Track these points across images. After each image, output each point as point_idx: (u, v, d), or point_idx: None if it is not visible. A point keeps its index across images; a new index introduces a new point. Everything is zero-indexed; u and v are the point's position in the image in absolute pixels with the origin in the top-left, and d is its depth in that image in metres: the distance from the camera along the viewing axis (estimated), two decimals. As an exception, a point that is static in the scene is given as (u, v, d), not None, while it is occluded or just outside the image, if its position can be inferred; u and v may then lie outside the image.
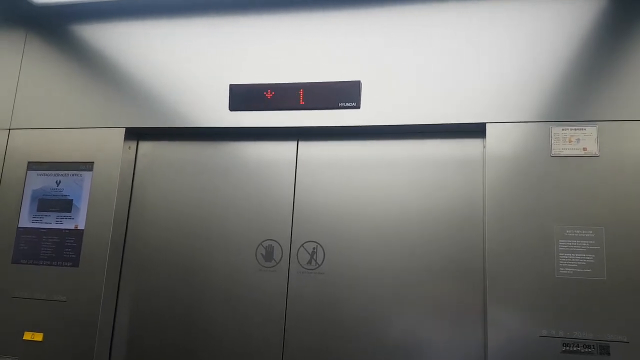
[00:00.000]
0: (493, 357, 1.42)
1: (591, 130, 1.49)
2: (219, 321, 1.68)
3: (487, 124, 1.55)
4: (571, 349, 1.38)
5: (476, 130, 1.59)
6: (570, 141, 1.50)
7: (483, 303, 1.51)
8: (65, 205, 1.77)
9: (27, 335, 1.70)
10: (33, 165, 1.82)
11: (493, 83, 1.57)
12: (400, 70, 1.64)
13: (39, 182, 1.81)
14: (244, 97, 1.70)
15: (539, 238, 1.45)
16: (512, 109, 1.54)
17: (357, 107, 1.62)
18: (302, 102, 1.65)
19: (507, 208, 1.49)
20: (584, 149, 1.49)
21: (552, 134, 1.51)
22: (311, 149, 1.74)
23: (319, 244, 1.67)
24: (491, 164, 1.53)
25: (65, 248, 1.73)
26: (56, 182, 1.80)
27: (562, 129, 1.51)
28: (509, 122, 1.54)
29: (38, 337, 1.69)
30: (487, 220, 1.50)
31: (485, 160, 1.55)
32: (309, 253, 1.67)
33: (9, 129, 1.88)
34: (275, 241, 1.70)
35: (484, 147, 1.60)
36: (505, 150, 1.53)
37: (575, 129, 1.50)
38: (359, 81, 1.64)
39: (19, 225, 1.79)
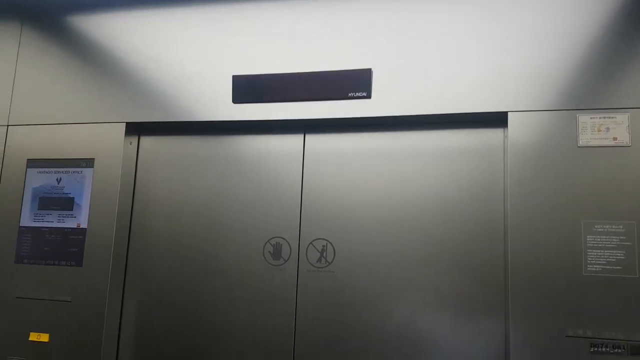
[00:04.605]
0: (517, 358, 1.34)
1: (622, 118, 1.39)
2: (227, 319, 1.63)
3: (508, 113, 1.45)
4: (600, 349, 1.31)
5: (497, 120, 1.49)
6: (599, 130, 1.40)
7: (505, 301, 1.44)
8: (66, 204, 1.72)
9: (33, 336, 1.67)
10: (33, 163, 1.77)
11: (515, 68, 1.46)
12: (414, 57, 1.54)
13: (39, 179, 1.76)
14: (247, 88, 1.61)
15: (565, 234, 1.37)
16: (535, 96, 1.44)
17: (368, 97, 1.53)
18: (308, 93, 1.56)
19: (531, 202, 1.40)
20: (614, 138, 1.38)
21: (580, 123, 1.41)
22: (319, 143, 1.66)
23: (329, 241, 1.60)
24: (513, 155, 1.43)
25: (68, 247, 1.69)
26: (57, 179, 1.74)
27: (591, 117, 1.40)
28: (533, 111, 1.44)
29: (44, 337, 1.66)
30: (510, 216, 1.41)
31: (507, 151, 1.45)
32: (318, 251, 1.60)
33: (7, 126, 1.83)
34: (284, 239, 1.64)
35: (506, 137, 1.50)
36: (528, 141, 1.43)
37: (604, 117, 1.40)
38: (370, 69, 1.55)
39: (21, 225, 1.75)
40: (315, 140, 1.66)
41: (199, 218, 1.71)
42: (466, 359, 1.46)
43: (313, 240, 1.61)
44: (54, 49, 1.84)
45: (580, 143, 1.40)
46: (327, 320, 1.56)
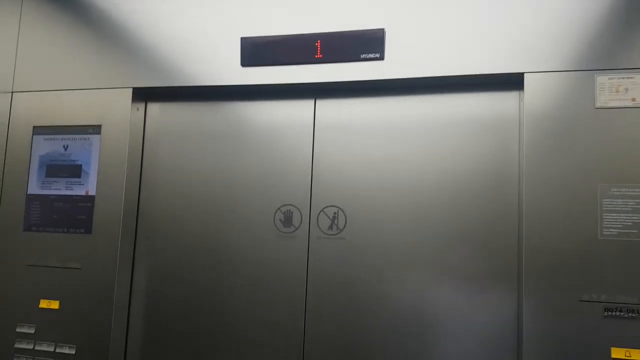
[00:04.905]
0: (529, 323, 1.34)
1: (641, 78, 1.35)
2: (237, 287, 1.63)
3: (525, 74, 1.41)
4: (614, 313, 1.29)
5: (512, 82, 1.46)
6: (617, 91, 1.36)
7: (517, 267, 1.43)
8: (74, 171, 1.70)
9: (43, 303, 1.67)
10: (39, 130, 1.75)
11: (531, 28, 1.42)
12: (427, 17, 1.49)
13: (45, 147, 1.74)
14: (256, 51, 1.57)
15: (581, 197, 1.34)
16: (552, 57, 1.40)
17: (381, 58, 1.49)
18: (319, 55, 1.52)
19: (546, 166, 1.37)
20: (633, 99, 1.35)
21: (597, 84, 1.37)
22: (330, 108, 1.63)
23: (340, 208, 1.58)
24: (529, 118, 1.40)
25: (76, 215, 1.68)
26: (63, 146, 1.72)
27: (609, 78, 1.37)
28: (549, 72, 1.40)
29: (54, 305, 1.67)
30: (525, 179, 1.39)
31: (523, 114, 1.42)
32: (329, 218, 1.59)
33: (12, 92, 1.79)
34: (294, 206, 1.62)
35: (521, 100, 1.47)
36: (544, 103, 1.39)
37: (623, 77, 1.36)
38: (383, 29, 1.51)
39: (28, 192, 1.74)
40: (327, 106, 1.63)
41: (208, 185, 1.69)
42: (479, 325, 1.46)
43: (324, 208, 1.59)
44: (57, 13, 1.79)
45: (598, 104, 1.37)
46: (338, 286, 1.55)
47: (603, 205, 1.34)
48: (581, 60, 1.38)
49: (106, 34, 1.74)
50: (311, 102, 1.64)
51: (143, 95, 1.75)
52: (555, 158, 1.37)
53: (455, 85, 1.53)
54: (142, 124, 1.76)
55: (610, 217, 1.33)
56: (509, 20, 1.44)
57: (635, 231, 1.31)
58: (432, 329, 1.48)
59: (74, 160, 1.71)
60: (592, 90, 1.37)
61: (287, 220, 1.62)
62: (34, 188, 1.73)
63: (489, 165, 1.50)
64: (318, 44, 1.52)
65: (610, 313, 1.29)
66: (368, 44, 1.49)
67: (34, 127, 1.76)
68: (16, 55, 1.81)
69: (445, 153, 1.53)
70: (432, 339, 1.48)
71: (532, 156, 1.39)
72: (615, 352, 1.29)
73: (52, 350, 1.64)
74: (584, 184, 1.35)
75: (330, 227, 1.58)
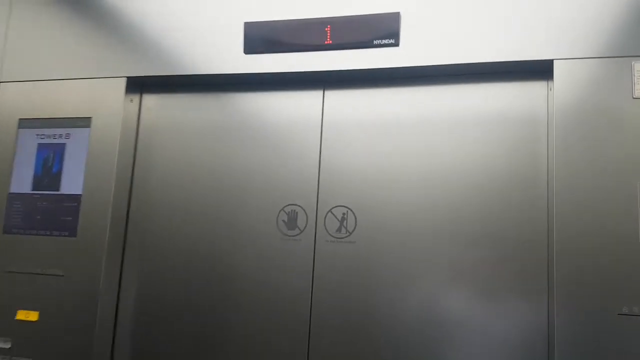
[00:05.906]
0: (561, 339, 1.19)
1: (683, 66, 1.24)
2: (236, 296, 1.49)
3: (554, 61, 1.30)
4: (661, 329, 1.15)
5: (541, 70, 1.35)
6: (657, 79, 1.25)
7: (547, 276, 1.30)
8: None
9: (21, 315, 1.52)
10: (24, 123, 1.64)
11: (561, 10, 1.32)
12: None
13: (31, 141, 1.61)
14: (261, 37, 1.48)
15: (618, 197, 1.21)
16: (584, 42, 1.29)
17: (396, 44, 1.39)
18: (329, 41, 1.42)
19: (579, 163, 1.25)
20: (675, 88, 1.24)
21: (635, 71, 1.26)
22: (340, 99, 1.52)
23: (349, 209, 1.46)
24: (560, 110, 1.28)
25: (61, 216, 1.54)
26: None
27: (648, 65, 1.26)
28: (581, 59, 1.29)
29: (33, 316, 1.52)
30: (555, 177, 1.26)
31: (553, 106, 1.31)
32: (338, 219, 1.46)
33: (-2, 82, 1.70)
34: (299, 206, 1.49)
35: (550, 89, 1.36)
36: (576, 92, 1.28)
37: (662, 65, 1.25)
38: (398, 13, 1.41)
39: (10, 191, 1.61)
40: (337, 97, 1.52)
41: (206, 184, 1.57)
42: (503, 341, 1.31)
43: (332, 208, 1.47)
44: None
45: (636, 94, 1.25)
46: (347, 296, 1.41)
47: (644, 206, 1.21)
48: (617, 45, 1.28)
49: (98, 19, 1.64)
50: (320, 92, 1.54)
51: (138, 85, 1.65)
52: (588, 153, 1.25)
53: (477, 75, 1.42)
54: (137, 116, 1.66)
55: (654, 219, 1.20)
56: (537, 2, 1.34)
57: (684, 235, 1.18)
58: (452, 345, 1.33)
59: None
60: (630, 79, 1.26)
61: (291, 221, 1.48)
62: (16, 186, 1.61)
63: (515, 162, 1.38)
64: (328, 29, 1.42)
65: (656, 328, 1.15)
66: (382, 29, 1.39)
67: (20, 119, 1.65)
68: (5, 43, 1.72)
69: (466, 149, 1.41)
70: (451, 356, 1.33)
71: (562, 152, 1.27)
72: (663, 374, 1.14)
73: (30, 367, 1.49)
74: (621, 183, 1.22)
75: (339, 230, 1.45)
